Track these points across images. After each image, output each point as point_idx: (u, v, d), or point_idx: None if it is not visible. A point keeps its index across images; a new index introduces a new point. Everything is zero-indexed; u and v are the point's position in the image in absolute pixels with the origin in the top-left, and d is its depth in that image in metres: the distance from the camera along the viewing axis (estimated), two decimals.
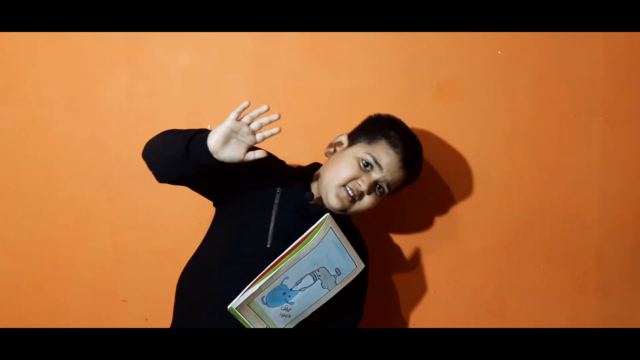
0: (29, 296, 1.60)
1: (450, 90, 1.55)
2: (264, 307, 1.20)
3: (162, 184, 1.57)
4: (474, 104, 1.56)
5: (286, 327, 1.24)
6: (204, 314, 1.25)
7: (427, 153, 1.55)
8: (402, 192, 1.57)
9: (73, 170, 1.56)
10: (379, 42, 1.52)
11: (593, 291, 1.63)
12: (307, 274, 1.20)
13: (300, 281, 1.20)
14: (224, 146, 1.11)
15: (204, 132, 1.13)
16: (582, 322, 1.63)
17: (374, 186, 1.28)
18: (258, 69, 1.53)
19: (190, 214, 1.55)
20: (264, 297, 1.19)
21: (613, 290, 1.63)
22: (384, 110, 1.53)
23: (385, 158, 1.28)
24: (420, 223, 1.58)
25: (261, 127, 1.14)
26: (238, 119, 1.12)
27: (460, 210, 1.58)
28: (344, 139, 1.34)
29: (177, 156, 1.12)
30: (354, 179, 1.26)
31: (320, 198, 1.30)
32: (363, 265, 1.23)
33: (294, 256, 1.17)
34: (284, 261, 1.17)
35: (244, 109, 1.13)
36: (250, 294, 1.17)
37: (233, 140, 1.12)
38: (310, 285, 1.21)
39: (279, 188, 1.27)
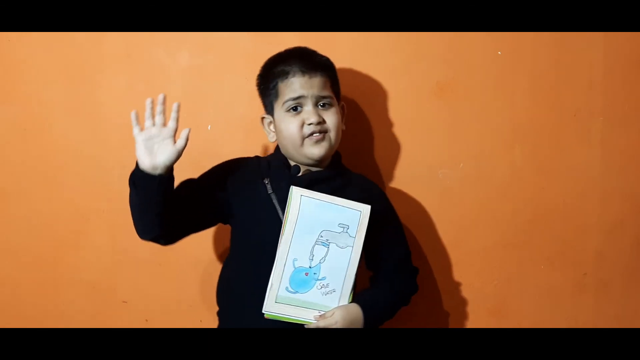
0: (29, 297, 1.60)
1: (450, 90, 1.54)
2: (298, 295, 1.20)
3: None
4: (473, 104, 1.56)
5: (340, 301, 1.22)
6: (251, 321, 1.23)
7: (428, 152, 1.56)
8: (402, 195, 1.57)
9: (73, 171, 1.56)
10: (378, 42, 1.52)
11: (593, 291, 1.63)
12: (313, 245, 1.20)
13: (312, 255, 1.20)
14: (152, 155, 1.15)
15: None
16: (582, 322, 1.63)
17: (317, 109, 1.26)
18: (258, 69, 1.53)
19: None
20: (287, 286, 1.19)
21: (613, 290, 1.63)
22: (384, 111, 1.54)
23: (294, 88, 1.25)
24: (421, 223, 1.58)
25: (163, 116, 1.16)
26: (142, 130, 1.16)
27: (460, 210, 1.58)
28: (267, 117, 1.33)
29: (135, 199, 1.17)
30: (302, 125, 1.25)
31: (306, 168, 1.30)
32: (368, 207, 1.21)
33: (284, 238, 1.17)
34: (279, 247, 1.18)
35: (137, 118, 1.17)
36: (269, 292, 1.18)
37: (156, 146, 1.16)
38: (327, 253, 1.20)
39: (265, 179, 1.27)
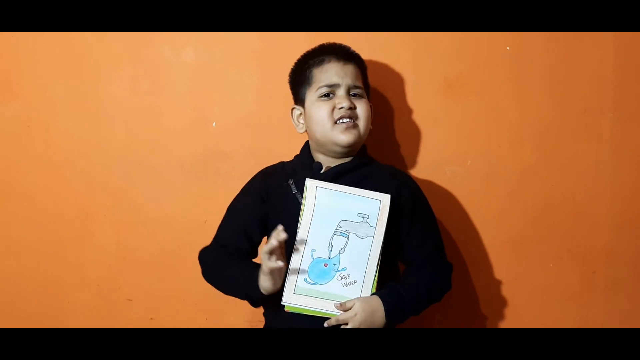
0: (33, 295, 1.60)
1: (458, 87, 1.54)
2: (317, 287, 1.20)
3: (165, 182, 1.57)
4: (482, 101, 1.55)
5: (362, 292, 1.21)
6: (287, 315, 1.23)
7: (436, 148, 1.55)
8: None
9: (77, 169, 1.56)
10: (385, 39, 1.51)
11: (602, 289, 1.61)
12: (332, 236, 1.19)
13: (331, 246, 1.20)
14: (274, 284, 1.18)
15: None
16: (591, 321, 1.62)
17: (350, 97, 1.28)
18: (263, 67, 1.53)
19: (195, 213, 1.54)
20: (305, 278, 1.19)
21: (623, 288, 1.62)
22: (391, 108, 1.53)
23: (329, 74, 1.28)
24: None
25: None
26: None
27: (468, 207, 1.57)
28: (297, 108, 1.34)
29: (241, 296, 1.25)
30: (333, 110, 1.27)
31: (329, 165, 1.30)
32: (387, 196, 1.20)
33: (301, 229, 1.18)
34: (296, 238, 1.18)
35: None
36: (287, 283, 1.18)
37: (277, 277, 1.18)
38: (347, 243, 1.20)
39: (290, 180, 1.28)
